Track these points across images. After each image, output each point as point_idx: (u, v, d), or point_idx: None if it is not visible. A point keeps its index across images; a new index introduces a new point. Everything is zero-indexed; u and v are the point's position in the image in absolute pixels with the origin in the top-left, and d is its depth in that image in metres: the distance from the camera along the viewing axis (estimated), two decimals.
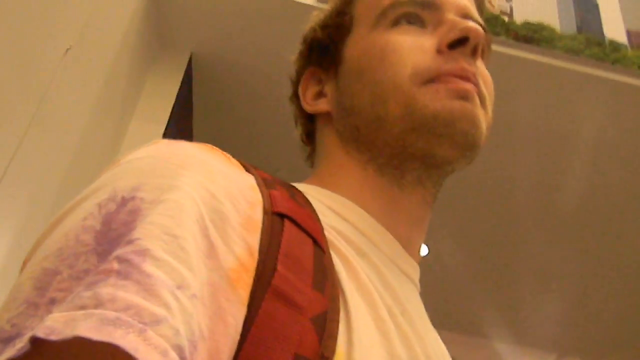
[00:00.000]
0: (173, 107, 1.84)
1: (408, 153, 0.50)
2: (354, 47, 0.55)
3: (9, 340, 0.26)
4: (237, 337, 0.31)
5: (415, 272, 0.51)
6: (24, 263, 0.33)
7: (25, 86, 1.14)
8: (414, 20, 0.53)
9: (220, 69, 2.09)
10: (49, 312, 0.27)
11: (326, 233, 0.42)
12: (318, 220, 0.42)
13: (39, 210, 1.23)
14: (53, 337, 0.24)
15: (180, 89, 1.90)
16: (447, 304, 3.45)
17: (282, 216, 0.38)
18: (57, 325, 0.24)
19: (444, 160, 0.50)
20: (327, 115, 0.56)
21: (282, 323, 0.32)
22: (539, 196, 2.55)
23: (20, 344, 0.25)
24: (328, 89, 0.57)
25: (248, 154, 2.57)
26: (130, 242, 0.29)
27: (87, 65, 1.39)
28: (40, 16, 1.15)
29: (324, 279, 0.37)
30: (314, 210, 0.43)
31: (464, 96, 0.49)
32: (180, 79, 1.90)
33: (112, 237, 0.30)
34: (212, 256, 0.32)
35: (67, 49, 1.25)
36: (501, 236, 2.90)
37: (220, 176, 0.36)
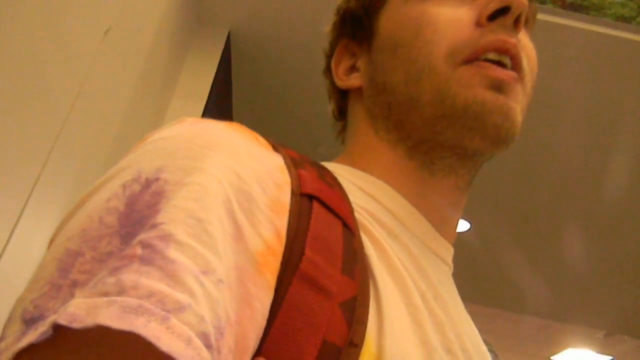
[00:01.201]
0: (212, 85, 1.85)
1: (437, 141, 0.48)
2: (389, 20, 0.52)
3: (32, 322, 0.26)
4: (264, 323, 0.30)
5: (448, 253, 0.50)
6: (50, 242, 0.33)
7: (67, 68, 1.16)
8: None
9: (259, 45, 2.08)
10: (72, 294, 0.27)
11: (356, 214, 0.41)
12: (348, 201, 0.41)
13: (83, 190, 1.26)
14: (75, 325, 0.24)
15: (219, 66, 1.90)
16: (491, 280, 3.41)
17: (310, 197, 0.37)
18: (79, 312, 0.24)
19: (474, 152, 0.48)
20: (359, 91, 0.54)
21: (310, 308, 0.31)
22: (585, 170, 2.47)
23: (42, 328, 0.25)
24: (361, 63, 0.55)
25: (288, 130, 2.57)
26: (154, 226, 0.28)
27: (127, 45, 1.40)
28: None
29: (354, 262, 0.36)
30: (343, 191, 0.42)
31: (500, 87, 0.46)
32: (219, 56, 1.90)
33: (135, 220, 0.29)
34: (239, 239, 0.31)
35: (107, 30, 1.26)
36: (546, 211, 2.83)
37: (247, 157, 0.35)
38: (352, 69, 0.56)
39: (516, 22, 0.47)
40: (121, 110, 1.42)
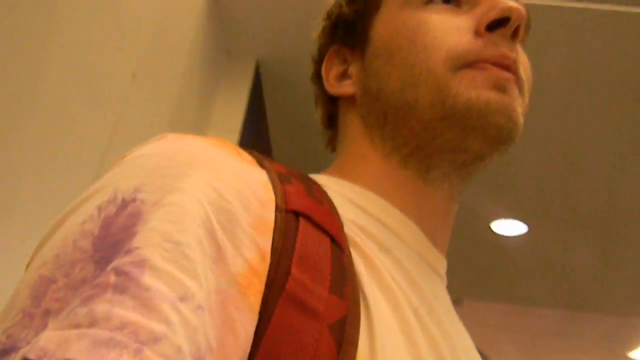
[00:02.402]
0: (246, 115, 1.88)
1: (436, 145, 0.46)
2: (383, 26, 0.51)
3: (4, 353, 0.26)
4: (248, 348, 0.30)
5: (442, 265, 0.48)
6: (28, 265, 0.33)
7: (98, 115, 1.20)
8: None
9: (288, 71, 2.10)
10: (44, 324, 0.26)
11: (346, 229, 0.40)
12: (337, 215, 0.40)
13: None
14: None
15: (250, 97, 1.93)
16: (566, 282, 3.29)
17: (297, 214, 0.36)
18: (50, 345, 0.24)
19: (474, 155, 0.46)
20: (351, 98, 0.53)
21: (296, 330, 0.30)
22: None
23: None
24: (353, 69, 0.53)
25: (327, 153, 2.57)
26: (128, 251, 0.28)
27: (156, 86, 1.44)
28: (104, 45, 1.21)
29: (343, 280, 0.35)
30: (332, 205, 0.41)
31: (502, 87, 0.45)
32: (249, 86, 1.93)
33: (110, 244, 0.29)
34: (220, 261, 0.30)
35: (133, 74, 1.30)
36: (603, 212, 2.72)
37: (229, 174, 0.34)
38: (344, 75, 0.54)
39: (514, 33, 0.46)
40: None
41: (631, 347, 5.15)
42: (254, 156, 0.40)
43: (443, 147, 0.46)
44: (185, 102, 1.64)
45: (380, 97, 0.49)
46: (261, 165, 0.39)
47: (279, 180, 0.38)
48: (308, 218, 0.36)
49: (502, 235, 3.03)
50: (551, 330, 4.41)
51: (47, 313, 0.27)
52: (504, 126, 0.44)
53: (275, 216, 0.34)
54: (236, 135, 1.80)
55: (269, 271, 0.32)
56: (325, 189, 0.44)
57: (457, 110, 0.44)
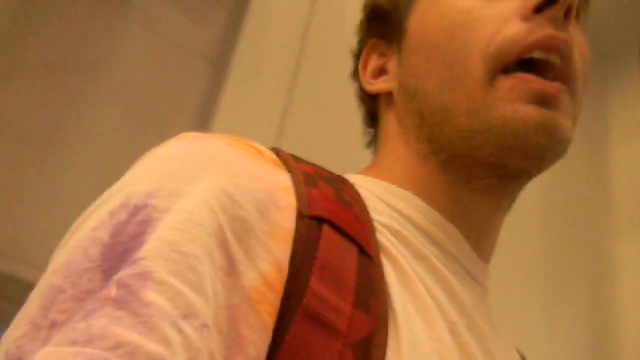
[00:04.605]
0: None
1: (474, 157, 0.42)
2: (421, 17, 0.47)
3: None
4: None
5: (484, 276, 0.45)
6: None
7: None
8: None
9: None
10: (49, 336, 0.25)
11: (378, 235, 0.37)
12: (368, 220, 0.37)
13: None
14: None
15: None
16: None
17: (320, 220, 0.33)
18: None
19: (518, 172, 0.42)
20: (389, 95, 0.49)
21: (314, 350, 0.28)
22: None
23: None
24: (391, 65, 0.49)
25: None
26: (134, 262, 0.26)
27: None
28: None
29: (370, 293, 0.32)
30: (364, 209, 0.38)
31: (545, 101, 0.40)
32: None
33: (119, 252, 0.27)
34: (232, 274, 0.28)
35: None
36: None
37: (247, 178, 0.32)
38: (381, 71, 0.51)
39: (567, 13, 0.41)
40: None
41: None
42: (280, 156, 0.37)
43: (482, 161, 0.42)
44: None
45: (417, 96, 0.45)
46: (286, 165, 0.36)
47: (304, 183, 0.35)
48: (333, 224, 0.33)
49: None
50: None
51: (53, 324, 0.26)
52: (545, 146, 0.40)
53: (296, 223, 0.32)
54: None
55: (287, 284, 0.29)
56: (359, 189, 0.41)
57: (492, 126, 0.40)
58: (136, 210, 0.29)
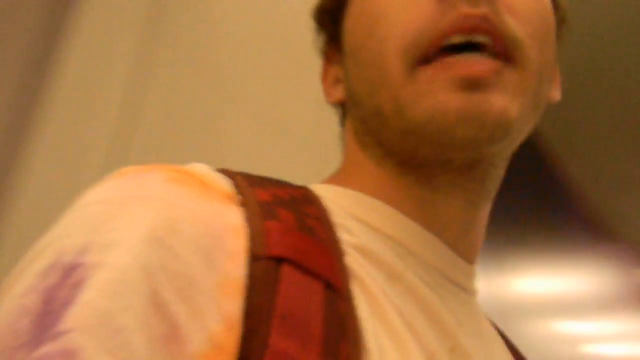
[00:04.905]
0: None
1: (419, 157, 0.39)
2: (350, 19, 0.44)
3: None
4: None
5: (468, 278, 0.41)
6: None
7: None
8: None
9: None
10: None
11: (347, 259, 0.33)
12: (335, 244, 0.34)
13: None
14: None
15: None
16: None
17: (280, 259, 0.30)
18: None
19: (463, 163, 0.38)
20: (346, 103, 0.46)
21: None
22: None
23: None
24: (340, 72, 0.46)
25: None
26: (57, 335, 0.23)
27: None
28: None
29: (340, 336, 0.29)
30: (331, 230, 0.35)
31: (472, 84, 0.35)
32: None
33: (48, 324, 0.24)
34: (175, 341, 0.25)
35: None
36: None
37: (189, 222, 0.29)
38: (338, 79, 0.47)
39: None
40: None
41: None
42: (234, 183, 0.34)
43: (427, 159, 0.39)
44: None
45: (356, 102, 0.43)
46: (241, 194, 0.33)
47: (261, 215, 0.32)
48: (293, 262, 0.30)
49: None
50: None
51: None
52: (476, 136, 0.36)
53: (250, 268, 0.29)
54: None
55: (243, 340, 0.27)
56: (326, 202, 0.38)
57: (418, 124, 0.37)
58: (69, 270, 0.26)
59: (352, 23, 0.43)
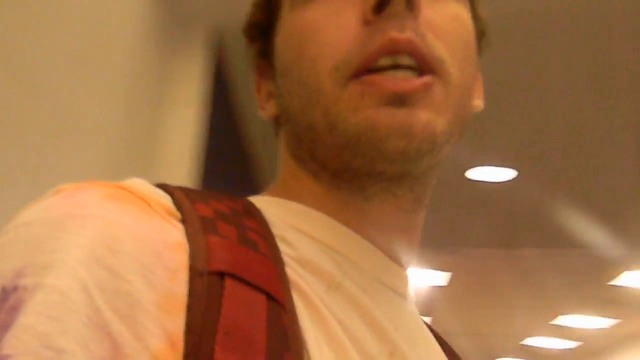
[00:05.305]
0: (209, 88, 1.79)
1: (353, 169, 0.40)
2: (280, 36, 0.45)
3: None
4: None
5: (403, 283, 0.43)
6: None
7: (44, 107, 1.12)
8: None
9: None
10: None
11: (288, 271, 0.35)
12: (276, 256, 0.35)
13: None
14: None
15: (213, 68, 1.83)
16: (545, 222, 3.36)
17: (222, 274, 0.30)
18: None
19: (394, 174, 0.40)
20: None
21: None
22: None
23: None
24: (273, 87, 0.47)
25: None
26: None
27: (104, 69, 1.35)
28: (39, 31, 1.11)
29: (284, 348, 0.29)
30: (272, 243, 0.36)
31: (398, 100, 0.37)
32: (211, 57, 1.83)
33: None
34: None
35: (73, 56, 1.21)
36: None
37: (129, 240, 0.29)
38: (270, 94, 0.48)
39: (408, 3, 0.38)
40: (112, 135, 1.38)
41: (611, 276, 5.33)
42: (175, 199, 0.34)
43: (360, 172, 0.40)
44: (139, 80, 1.55)
45: (289, 118, 0.44)
46: (181, 210, 0.33)
47: (202, 231, 0.32)
48: (236, 277, 0.31)
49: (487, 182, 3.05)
50: (536, 269, 4.53)
51: None
52: (405, 149, 0.37)
53: (192, 284, 0.29)
54: (198, 109, 1.72)
55: (187, 358, 0.27)
56: (266, 215, 0.39)
57: (350, 139, 0.38)
58: (6, 294, 0.26)
59: (283, 41, 0.44)
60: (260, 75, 0.49)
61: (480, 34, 0.46)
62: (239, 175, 2.54)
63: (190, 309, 0.28)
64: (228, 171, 2.29)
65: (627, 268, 4.98)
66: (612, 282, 5.39)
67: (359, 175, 0.41)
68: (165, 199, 0.34)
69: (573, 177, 3.00)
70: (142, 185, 0.35)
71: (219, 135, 2.07)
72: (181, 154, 1.65)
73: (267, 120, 0.50)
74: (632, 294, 5.39)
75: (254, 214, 0.39)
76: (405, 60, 0.38)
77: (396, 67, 0.38)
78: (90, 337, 0.25)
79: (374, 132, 0.37)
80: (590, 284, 5.53)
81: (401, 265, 0.43)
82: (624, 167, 2.79)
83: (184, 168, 1.63)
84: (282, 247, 0.37)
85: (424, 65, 0.39)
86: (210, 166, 1.86)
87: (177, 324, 0.28)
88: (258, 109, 0.49)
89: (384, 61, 0.38)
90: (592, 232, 3.49)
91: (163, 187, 0.36)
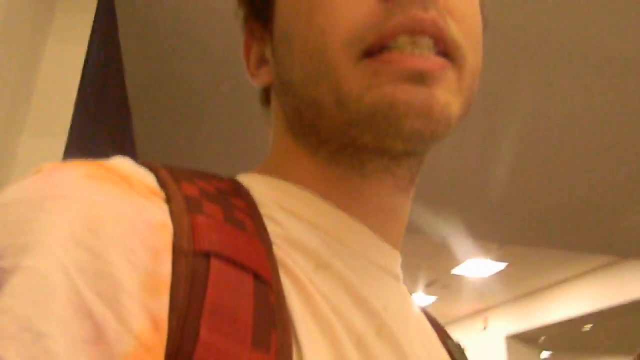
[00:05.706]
0: (95, 25, 1.65)
1: (358, 145, 0.39)
2: (283, 1, 0.42)
3: None
4: None
5: (395, 262, 0.43)
6: None
7: None
8: None
9: None
10: None
11: (276, 250, 0.34)
12: (264, 236, 0.34)
13: None
14: None
15: (100, 4, 1.69)
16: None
17: (208, 254, 0.30)
18: None
19: (402, 152, 0.39)
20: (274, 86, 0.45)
21: None
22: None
23: None
24: (268, 53, 0.44)
25: (185, 70, 2.39)
26: None
27: None
28: None
29: (270, 326, 0.29)
30: (259, 222, 0.35)
31: (419, 77, 0.35)
32: None
33: None
34: (100, 342, 0.24)
35: None
36: None
37: (111, 220, 0.28)
38: (263, 59, 0.45)
39: None
40: None
41: (455, 264, 5.83)
42: (158, 177, 0.33)
43: (366, 147, 0.38)
44: (19, 7, 1.39)
45: (289, 90, 0.41)
46: (165, 189, 0.32)
47: (187, 210, 0.31)
48: (222, 257, 0.30)
49: None
50: None
51: None
52: (421, 129, 0.35)
53: (177, 265, 0.28)
54: (83, 47, 1.58)
55: (171, 339, 0.26)
56: (253, 193, 0.38)
57: (363, 116, 0.36)
58: None
59: (286, 9, 0.41)
60: (251, 36, 0.46)
61: (485, 21, 0.44)
62: (118, 118, 2.38)
63: (174, 289, 0.27)
64: (106, 110, 2.13)
65: (471, 257, 5.43)
66: (456, 270, 5.89)
67: (363, 151, 0.39)
68: (149, 178, 0.33)
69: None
70: (124, 164, 0.33)
71: (101, 73, 1.93)
72: (61, 89, 1.51)
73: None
74: None
75: (242, 193, 0.37)
76: (425, 42, 0.36)
77: (414, 47, 0.36)
78: (71, 319, 0.24)
79: (392, 110, 0.35)
80: (434, 269, 6.00)
81: (392, 245, 0.43)
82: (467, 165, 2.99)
83: (63, 105, 1.50)
84: (270, 227, 0.36)
85: (442, 48, 0.37)
86: (91, 104, 1.73)
87: (160, 305, 0.27)
88: (248, 74, 0.46)
89: (403, 40, 0.36)
90: (437, 222, 3.76)
91: (146, 165, 0.34)
